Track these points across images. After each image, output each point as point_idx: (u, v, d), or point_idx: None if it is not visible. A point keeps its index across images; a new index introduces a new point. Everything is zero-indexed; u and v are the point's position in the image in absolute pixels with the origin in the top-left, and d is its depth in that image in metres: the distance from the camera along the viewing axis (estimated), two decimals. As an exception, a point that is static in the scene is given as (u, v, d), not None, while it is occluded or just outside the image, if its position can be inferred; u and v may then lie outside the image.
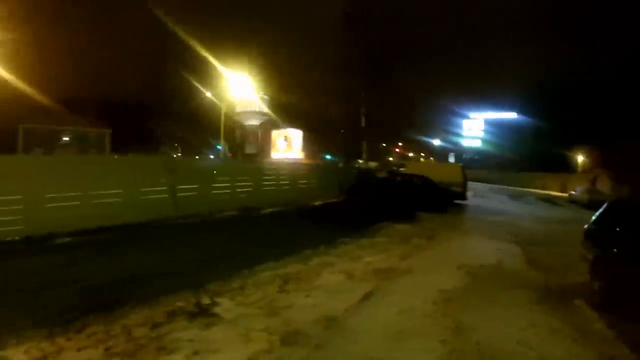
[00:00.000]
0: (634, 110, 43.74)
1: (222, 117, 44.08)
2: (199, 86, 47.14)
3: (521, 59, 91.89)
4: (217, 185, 15.14)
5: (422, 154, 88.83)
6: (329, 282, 7.06)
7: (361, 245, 10.20)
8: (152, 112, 66.69)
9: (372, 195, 19.29)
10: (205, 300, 5.85)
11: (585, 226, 9.32)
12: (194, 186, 14.28)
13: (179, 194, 13.46)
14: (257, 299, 6.07)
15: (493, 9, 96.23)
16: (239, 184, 15.94)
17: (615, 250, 7.30)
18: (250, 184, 16.33)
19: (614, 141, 44.60)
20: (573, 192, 37.90)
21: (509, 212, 23.84)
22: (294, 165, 26.72)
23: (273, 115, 63.71)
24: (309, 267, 7.86)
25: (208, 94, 46.20)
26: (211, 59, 40.29)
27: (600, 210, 9.28)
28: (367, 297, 6.51)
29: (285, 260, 8.18)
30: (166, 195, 13.18)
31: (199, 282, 6.50)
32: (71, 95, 55.24)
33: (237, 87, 45.44)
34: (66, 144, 49.66)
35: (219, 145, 60.51)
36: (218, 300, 5.92)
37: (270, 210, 16.09)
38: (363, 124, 42.12)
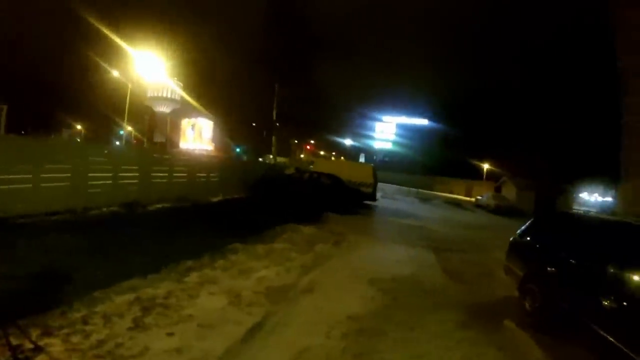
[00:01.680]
0: (537, 123, 45.64)
1: (128, 98, 40.44)
2: (104, 64, 43.19)
3: (435, 69, 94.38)
4: (95, 175, 12.68)
5: (333, 153, 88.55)
6: (206, 310, 5.28)
7: (257, 253, 8.46)
8: (55, 92, 60.11)
9: (277, 193, 17.71)
10: (27, 344, 3.79)
11: (512, 238, 8.26)
12: (65, 175, 11.75)
13: (43, 184, 10.95)
14: (98, 340, 4.12)
15: (410, 17, 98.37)
16: (124, 174, 13.53)
17: (550, 268, 6.35)
18: (136, 174, 13.95)
19: (518, 151, 46.33)
20: (479, 197, 38.95)
21: (419, 215, 23.31)
22: (193, 156, 24.35)
23: (186, 103, 60.58)
24: (184, 286, 5.98)
25: (115, 73, 42.19)
26: (114, 36, 36.35)
27: (530, 222, 8.48)
28: (253, 332, 4.86)
29: (156, 277, 6.23)
30: (29, 185, 10.62)
31: (21, 313, 4.29)
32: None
33: (147, 69, 41.90)
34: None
35: (121, 130, 56.53)
36: (45, 341, 3.92)
37: (159, 206, 13.89)
38: (274, 117, 40.38)
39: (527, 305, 6.57)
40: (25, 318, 4.19)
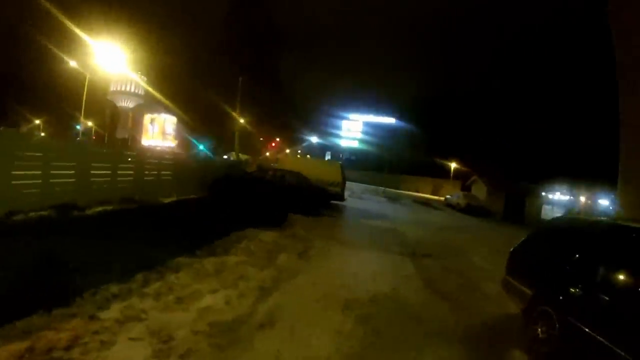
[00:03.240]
0: (506, 122, 45.64)
1: (85, 89, 37.93)
2: (62, 54, 40.52)
3: (402, 69, 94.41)
4: (20, 173, 10.76)
5: (299, 151, 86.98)
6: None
7: (204, 270, 6.85)
8: (10, 84, 56.77)
9: (237, 193, 16.09)
10: None
11: (513, 247, 6.92)
12: None
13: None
14: None
15: (378, 16, 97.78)
16: (57, 172, 11.64)
17: (575, 288, 5.04)
18: (72, 172, 12.06)
19: (487, 150, 46.07)
20: (449, 197, 38.19)
21: (389, 215, 22.07)
22: (144, 152, 22.30)
23: (150, 98, 58.38)
24: (97, 327, 4.31)
25: (72, 63, 39.57)
26: (72, 24, 33.79)
27: (535, 231, 7.13)
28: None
29: (64, 312, 4.53)
30: None
31: None
32: None
33: (108, 60, 39.26)
34: None
35: (78, 125, 53.70)
36: None
37: (99, 209, 12.06)
38: (237, 111, 38.51)
39: (539, 331, 5.33)
40: None
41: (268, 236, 10.48)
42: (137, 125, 64.00)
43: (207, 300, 5.48)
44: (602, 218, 6.64)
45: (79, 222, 10.64)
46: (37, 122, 64.28)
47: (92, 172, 12.71)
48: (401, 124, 78.64)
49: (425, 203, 37.91)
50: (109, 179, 13.36)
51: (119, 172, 13.82)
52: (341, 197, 21.45)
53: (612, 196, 49.92)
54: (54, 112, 60.33)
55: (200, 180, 18.46)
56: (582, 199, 51.28)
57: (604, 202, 50.39)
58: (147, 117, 62.93)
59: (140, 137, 62.22)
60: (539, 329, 5.34)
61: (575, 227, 6.33)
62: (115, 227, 10.10)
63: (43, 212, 10.72)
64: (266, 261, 8.02)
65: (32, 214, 10.38)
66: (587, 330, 4.48)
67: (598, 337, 4.29)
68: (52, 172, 11.45)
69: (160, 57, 50.59)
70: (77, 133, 53.69)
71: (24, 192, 10.76)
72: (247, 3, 37.95)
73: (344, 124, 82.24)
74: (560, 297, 5.17)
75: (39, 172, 11.15)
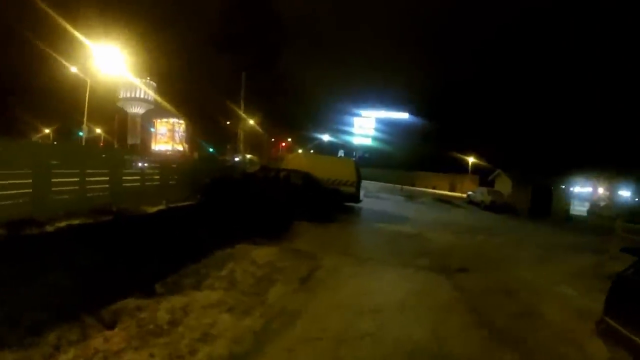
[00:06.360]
0: (532, 112, 43.05)
1: (87, 94, 36.37)
2: (66, 63, 38.81)
3: (414, 61, 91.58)
4: None
5: (311, 151, 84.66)
6: None
7: (153, 321, 4.62)
8: (18, 95, 55.92)
9: (233, 198, 13.87)
10: None
11: (617, 275, 4.56)
12: None
13: None
14: None
15: (388, 9, 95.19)
16: (5, 182, 9.47)
17: None
18: (27, 181, 9.84)
19: (509, 142, 43.42)
20: (471, 193, 35.58)
21: (410, 217, 19.63)
22: (122, 152, 20.07)
23: (159, 103, 58.54)
24: None
25: (73, 69, 38.05)
26: (75, 30, 32.25)
27: None
28: None
29: None
30: None
31: None
32: None
33: (112, 65, 37.80)
34: None
35: (80, 132, 52.33)
36: None
37: (62, 225, 9.87)
38: (242, 109, 36.27)
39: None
40: None
41: (263, 253, 8.28)
42: (147, 131, 63.65)
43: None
44: None
45: (28, 244, 8.46)
46: (47, 131, 63.21)
47: (54, 180, 10.48)
48: (415, 119, 75.97)
49: (446, 201, 35.30)
50: (76, 187, 11.14)
51: (88, 178, 11.57)
52: (356, 199, 19.01)
53: (635, 187, 47.53)
54: (63, 121, 59.15)
55: (195, 184, 16.26)
56: (601, 190, 48.61)
57: (625, 194, 47.76)
58: (157, 122, 62.57)
59: (150, 142, 61.75)
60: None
61: None
62: (67, 249, 7.93)
63: None
64: (252, 298, 5.73)
65: None
66: None
67: None
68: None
69: (164, 61, 49.32)
70: (79, 140, 52.25)
71: None
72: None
73: (356, 120, 79.56)
74: None
75: None
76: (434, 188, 54.86)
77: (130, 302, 5.06)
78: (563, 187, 37.44)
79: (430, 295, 7.06)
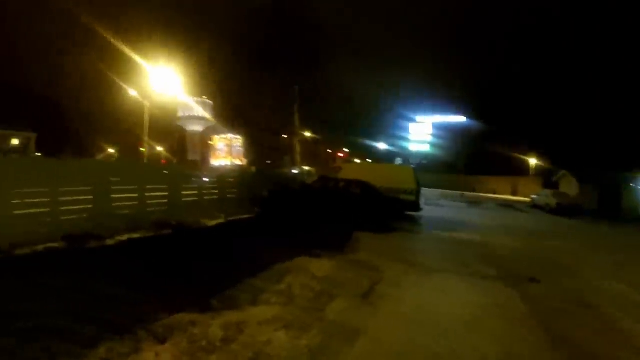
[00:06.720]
0: (599, 105, 40.65)
1: (146, 116, 38.02)
2: (125, 85, 41.80)
3: (469, 61, 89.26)
4: (21, 202, 9.05)
5: (368, 160, 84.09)
6: None
7: (206, 337, 4.39)
8: (84, 118, 60.64)
9: (292, 209, 13.73)
10: None
11: None
12: None
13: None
14: None
15: (437, 10, 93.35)
16: (66, 198, 9.74)
17: None
18: (89, 197, 10.10)
19: (575, 140, 41.21)
20: (535, 196, 33.93)
21: (474, 224, 18.80)
22: (181, 168, 20.48)
23: (217, 120, 61.43)
24: None
25: (133, 92, 40.17)
26: (137, 56, 34.44)
27: None
28: None
29: None
30: None
31: None
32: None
33: (169, 87, 39.26)
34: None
35: (142, 149, 54.81)
36: None
37: (123, 238, 10.07)
38: (297, 122, 36.43)
39: None
40: None
41: (323, 266, 7.96)
42: (206, 147, 66.02)
43: None
44: None
45: (86, 257, 8.66)
46: (112, 150, 66.60)
47: (113, 195, 10.73)
48: (472, 121, 73.69)
49: (508, 205, 33.90)
50: (136, 202, 11.37)
51: (147, 194, 11.79)
52: (417, 207, 18.42)
53: None
54: (126, 140, 62.38)
55: (255, 197, 16.29)
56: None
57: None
58: (216, 139, 64.85)
59: (209, 157, 63.73)
60: None
61: None
62: (125, 262, 8.02)
63: (53, 244, 9.01)
64: (311, 314, 5.42)
65: (39, 247, 8.77)
66: None
67: None
68: (59, 198, 9.71)
69: (219, 79, 51.40)
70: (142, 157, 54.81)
71: (29, 222, 9.14)
72: (291, 14, 36.48)
73: (412, 127, 78.15)
74: None
75: (46, 200, 9.44)
76: (494, 192, 52.93)
77: (185, 317, 4.90)
78: (633, 185, 35.00)
79: (501, 309, 6.50)
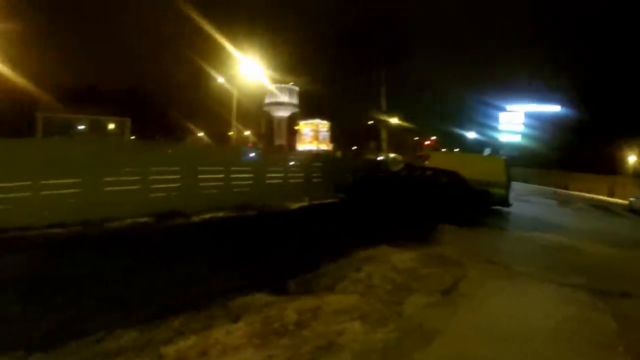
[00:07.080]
0: None
1: (235, 103, 39.62)
2: (213, 72, 44.31)
3: (568, 46, 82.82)
4: (114, 179, 9.79)
5: (456, 149, 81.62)
6: None
7: (279, 320, 4.41)
8: (169, 100, 65.44)
9: (377, 197, 13.59)
10: None
11: None
12: (75, 180, 9.11)
13: (44, 192, 8.56)
14: None
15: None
16: (156, 177, 10.61)
17: None
18: (177, 177, 10.92)
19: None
20: (633, 199, 30.74)
21: (564, 225, 17.48)
22: (268, 153, 21.06)
23: (303, 106, 63.63)
24: None
25: (220, 79, 42.70)
26: (226, 43, 36.04)
27: None
28: None
29: None
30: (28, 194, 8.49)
31: None
32: (87, 85, 56.03)
33: (255, 74, 41.09)
34: (82, 132, 45.77)
35: (230, 132, 57.12)
36: None
37: (206, 216, 10.59)
38: (384, 107, 35.91)
39: None
40: None
41: (404, 257, 7.76)
42: (292, 133, 67.26)
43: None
44: None
45: (167, 232, 9.37)
46: (201, 134, 70.06)
47: (200, 177, 11.39)
48: (568, 110, 68.29)
49: (603, 207, 31.45)
50: (222, 183, 11.97)
51: (232, 176, 12.39)
52: (506, 202, 17.39)
53: None
54: (215, 124, 65.67)
55: (340, 182, 16.35)
56: None
57: None
58: (302, 124, 65.96)
59: (296, 142, 65.15)
60: None
61: None
62: (206, 239, 8.34)
63: (142, 219, 9.68)
64: (389, 307, 5.26)
65: (128, 221, 9.41)
66: None
67: None
68: (150, 177, 10.54)
69: (305, 66, 52.66)
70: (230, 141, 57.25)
71: (119, 200, 9.90)
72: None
73: (502, 116, 74.36)
74: None
75: (138, 178, 10.14)
76: (589, 192, 49.03)
77: (261, 298, 5.00)
78: None
79: (588, 324, 5.86)
